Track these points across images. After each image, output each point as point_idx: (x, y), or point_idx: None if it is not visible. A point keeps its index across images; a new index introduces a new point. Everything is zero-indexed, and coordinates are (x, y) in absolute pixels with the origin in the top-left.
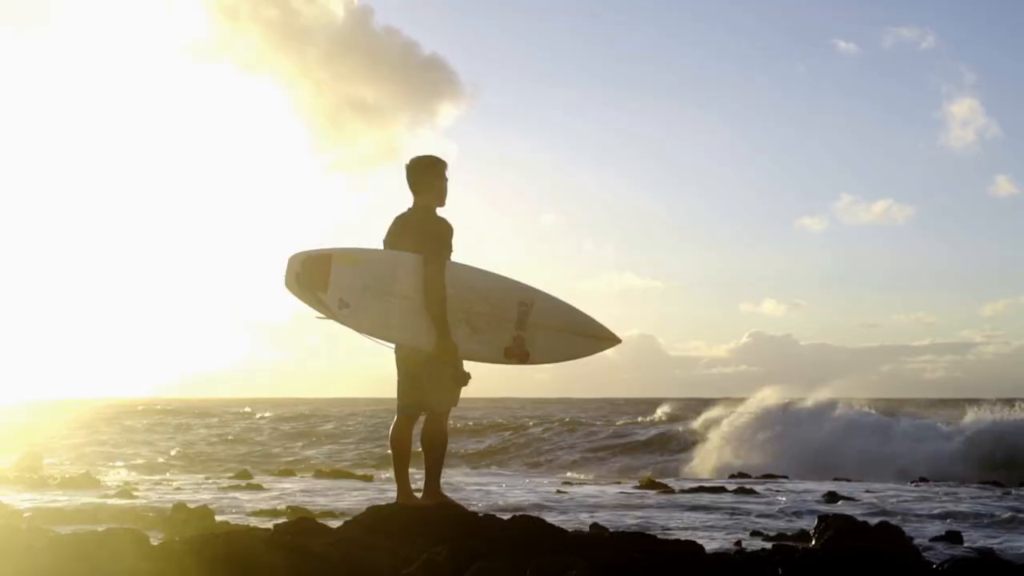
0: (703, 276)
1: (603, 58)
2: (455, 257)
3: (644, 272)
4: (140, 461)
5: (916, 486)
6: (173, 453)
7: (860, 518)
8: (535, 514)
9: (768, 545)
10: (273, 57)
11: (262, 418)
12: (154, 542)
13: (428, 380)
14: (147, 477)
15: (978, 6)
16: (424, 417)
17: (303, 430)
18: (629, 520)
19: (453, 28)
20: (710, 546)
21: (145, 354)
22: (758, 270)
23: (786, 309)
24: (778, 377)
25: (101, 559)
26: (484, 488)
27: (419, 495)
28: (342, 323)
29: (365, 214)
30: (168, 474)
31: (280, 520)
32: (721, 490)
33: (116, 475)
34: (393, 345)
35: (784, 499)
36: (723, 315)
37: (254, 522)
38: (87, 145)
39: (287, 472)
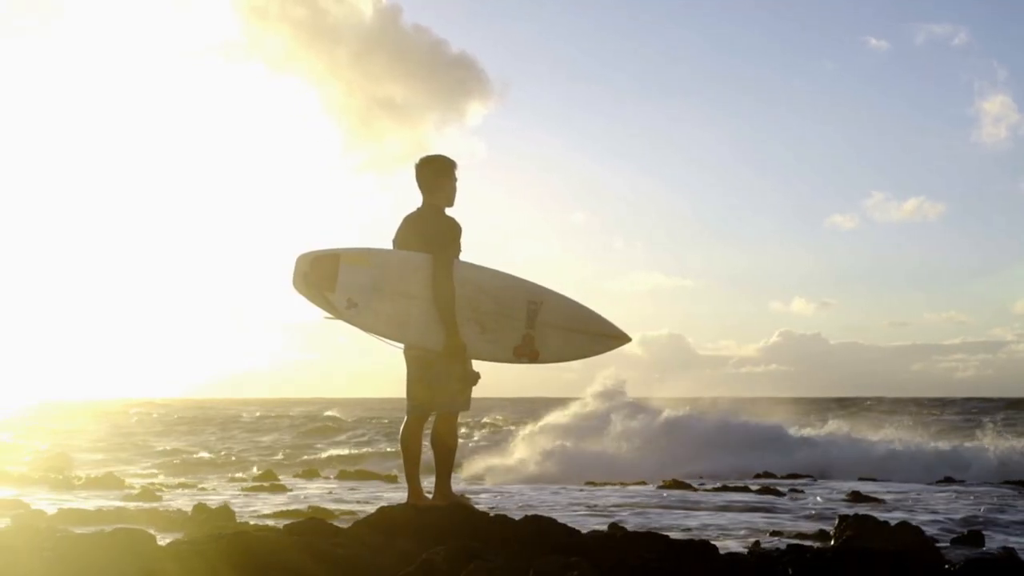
0: (732, 275)
1: (632, 56)
2: (464, 256)
3: (673, 271)
4: (165, 461)
5: (942, 487)
6: (199, 454)
7: (882, 518)
8: (557, 515)
9: (783, 545)
10: (302, 57)
11: (289, 417)
12: (168, 543)
13: (438, 380)
14: (171, 479)
15: (1010, 2)
16: (434, 417)
17: (330, 429)
18: (650, 520)
19: (482, 26)
20: (729, 546)
21: (179, 355)
22: (788, 269)
23: (816, 308)
24: (808, 376)
25: (107, 559)
26: (504, 490)
27: (431, 495)
28: (350, 323)
29: (394, 213)
30: (193, 475)
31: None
32: (745, 490)
33: (141, 475)
34: (402, 345)
35: (808, 499)
36: (753, 314)
37: (274, 523)
38: (119, 146)
39: (311, 473)
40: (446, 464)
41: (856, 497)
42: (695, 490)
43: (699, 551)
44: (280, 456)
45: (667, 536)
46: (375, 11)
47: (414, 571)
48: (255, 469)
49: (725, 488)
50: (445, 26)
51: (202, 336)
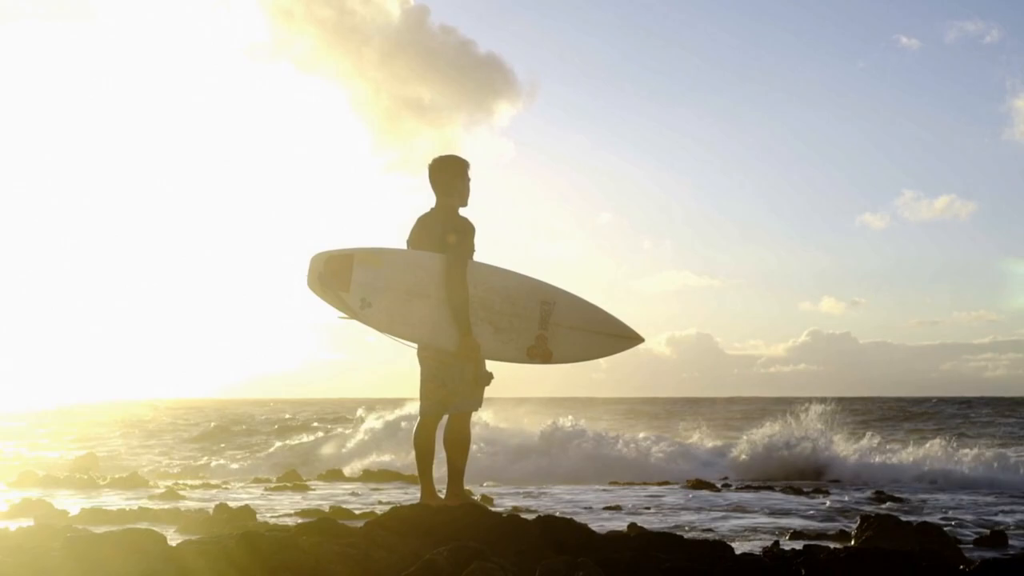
0: (761, 274)
1: (660, 55)
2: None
3: (702, 271)
4: (190, 461)
5: (973, 490)
6: (225, 454)
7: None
8: (578, 516)
9: (800, 546)
10: (329, 58)
11: (314, 416)
12: (178, 543)
13: (451, 380)
14: (195, 479)
15: None
16: (447, 418)
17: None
18: (672, 520)
19: (510, 26)
20: (749, 547)
21: (210, 356)
22: (817, 268)
23: (845, 307)
24: (836, 376)
25: (114, 559)
26: (523, 491)
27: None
28: (365, 323)
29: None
30: (217, 474)
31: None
32: (769, 489)
33: (166, 475)
34: (415, 345)
35: (832, 499)
36: (782, 313)
37: (292, 523)
38: (148, 146)
39: (335, 473)
40: (459, 464)
41: (880, 497)
42: (719, 490)
43: (713, 551)
44: (300, 453)
45: (681, 536)
46: (402, 12)
47: (416, 571)
48: (279, 469)
49: (748, 488)
50: (473, 26)
51: (231, 337)
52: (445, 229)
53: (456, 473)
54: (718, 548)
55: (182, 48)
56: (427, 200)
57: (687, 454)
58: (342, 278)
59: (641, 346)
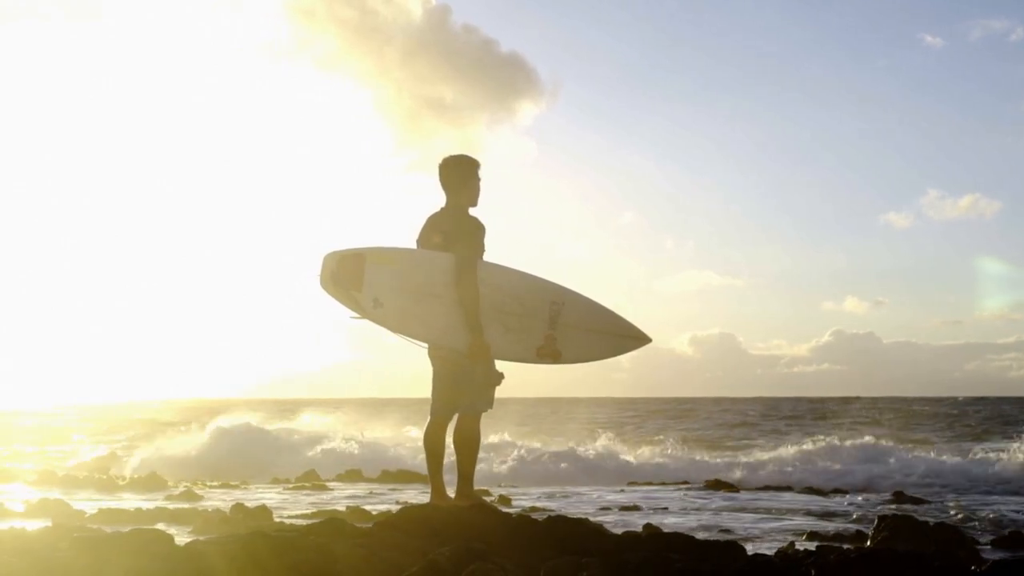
0: (784, 274)
1: (683, 55)
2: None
3: (724, 270)
4: (210, 461)
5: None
6: (246, 454)
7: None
8: (596, 517)
9: (814, 547)
10: (351, 57)
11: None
12: (186, 543)
13: (461, 380)
14: (214, 479)
15: None
16: (457, 418)
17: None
18: (689, 521)
19: (532, 26)
20: (765, 548)
21: (235, 356)
22: (841, 267)
23: (868, 307)
24: (860, 375)
25: (119, 559)
26: (546, 491)
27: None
28: (377, 323)
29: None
30: (236, 474)
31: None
32: (788, 489)
33: (184, 476)
34: (426, 345)
35: (850, 500)
36: (805, 313)
37: (305, 523)
38: (171, 145)
39: (354, 473)
40: (469, 464)
41: (900, 498)
42: (737, 491)
43: (725, 551)
44: (319, 453)
45: (693, 537)
46: (424, 11)
47: (417, 572)
48: (297, 469)
49: (767, 488)
50: (495, 26)
51: (259, 337)
52: (455, 229)
53: (466, 473)
54: (730, 549)
55: (204, 47)
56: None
57: (706, 454)
58: (354, 277)
59: (664, 346)
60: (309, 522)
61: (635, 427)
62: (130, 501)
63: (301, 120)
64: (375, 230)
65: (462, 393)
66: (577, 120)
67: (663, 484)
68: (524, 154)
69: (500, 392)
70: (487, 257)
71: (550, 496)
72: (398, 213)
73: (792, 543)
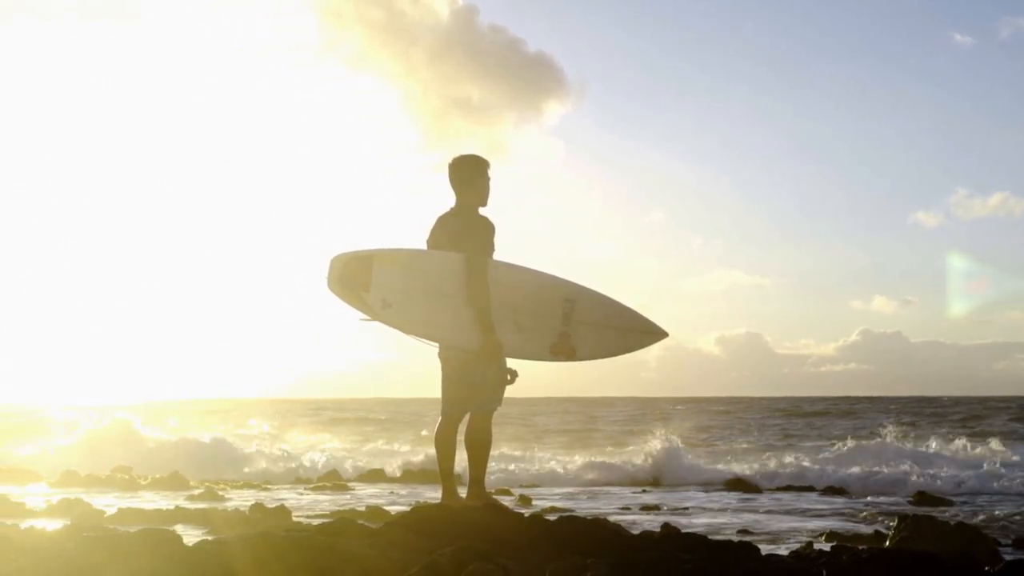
0: (812, 273)
1: (710, 54)
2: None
3: (752, 269)
4: (234, 461)
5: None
6: (268, 453)
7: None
8: (612, 517)
9: (830, 547)
10: (378, 57)
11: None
12: (194, 543)
13: (473, 380)
14: (235, 479)
15: None
16: (469, 417)
17: (402, 430)
18: (710, 521)
19: (559, 25)
20: (784, 548)
21: (264, 356)
22: (869, 266)
23: (897, 306)
24: (887, 375)
25: (124, 559)
26: (570, 491)
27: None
28: (387, 324)
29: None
30: (259, 474)
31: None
32: (811, 490)
33: (206, 475)
34: (437, 345)
35: (872, 501)
36: (832, 312)
37: (321, 523)
38: (199, 145)
39: (376, 473)
40: (480, 464)
41: (923, 499)
42: (760, 491)
43: (738, 552)
44: (342, 453)
45: (706, 537)
46: (451, 11)
47: (419, 572)
48: (320, 469)
49: (790, 488)
50: (522, 25)
51: (286, 337)
52: (465, 229)
53: (477, 473)
54: (743, 549)
55: (233, 48)
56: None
57: (729, 453)
58: (362, 279)
59: (690, 345)
60: (323, 522)
61: (662, 425)
62: (151, 501)
63: (329, 120)
64: (402, 230)
65: (474, 393)
66: (604, 120)
67: (685, 484)
68: (551, 154)
69: (525, 392)
70: (498, 256)
71: (572, 496)
72: (425, 213)
73: (810, 543)
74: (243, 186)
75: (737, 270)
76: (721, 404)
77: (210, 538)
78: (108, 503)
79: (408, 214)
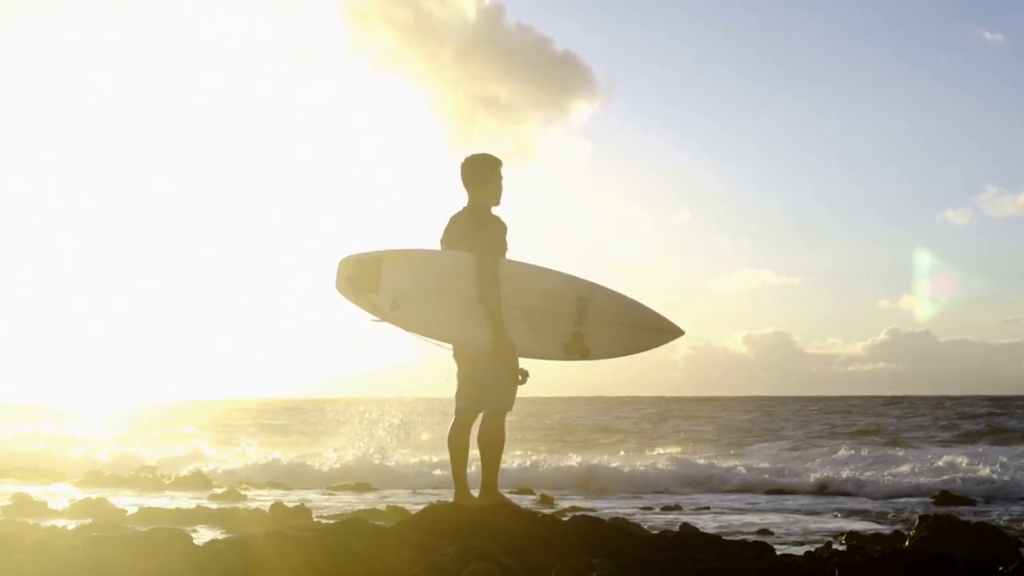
0: (840, 272)
1: (739, 53)
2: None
3: (780, 269)
4: (257, 460)
5: None
6: (293, 454)
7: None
8: (632, 517)
9: (844, 547)
10: (406, 57)
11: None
12: (205, 542)
13: (486, 380)
14: (258, 479)
15: None
16: (481, 417)
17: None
18: (732, 521)
19: (587, 24)
20: (802, 549)
21: (293, 356)
22: (897, 265)
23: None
24: (916, 374)
25: (132, 559)
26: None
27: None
28: (397, 325)
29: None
30: (282, 473)
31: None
32: (838, 491)
33: (230, 475)
34: (450, 346)
35: (894, 501)
36: (860, 312)
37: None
38: (227, 144)
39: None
40: (493, 464)
41: (945, 498)
42: (785, 492)
43: (753, 552)
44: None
45: (720, 537)
46: (478, 10)
47: (422, 571)
48: (345, 469)
49: (817, 490)
50: (549, 24)
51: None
52: (476, 228)
53: (490, 473)
54: (758, 549)
55: (259, 47)
56: (504, 198)
57: (754, 454)
58: (371, 281)
59: (718, 345)
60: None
61: (688, 426)
62: (173, 500)
63: (357, 119)
64: (429, 229)
65: (487, 393)
66: (632, 119)
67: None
68: (578, 153)
69: (551, 391)
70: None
71: (595, 496)
72: (453, 212)
73: (829, 544)
74: (270, 185)
75: (764, 269)
76: (747, 403)
77: (220, 537)
78: (130, 503)
79: (435, 213)
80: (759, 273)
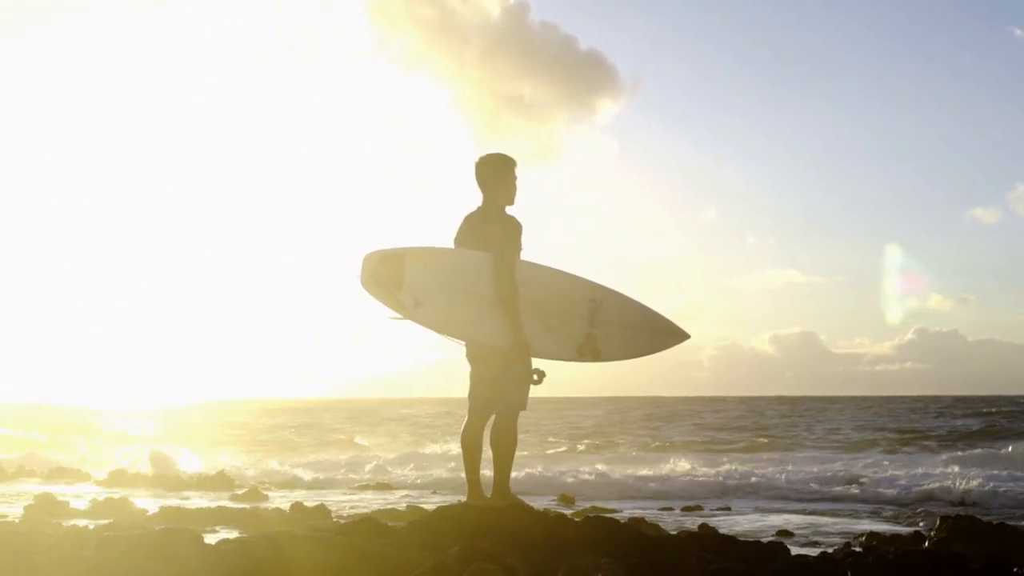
0: (867, 271)
1: (763, 53)
2: (550, 252)
3: (806, 268)
4: (278, 461)
5: None
6: (315, 455)
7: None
8: (650, 517)
9: (859, 548)
10: (430, 56)
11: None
12: (216, 542)
13: (500, 379)
14: (283, 479)
15: None
16: (494, 417)
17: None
18: (752, 523)
19: (611, 23)
20: (820, 550)
21: (321, 359)
22: (926, 264)
23: (953, 304)
24: (943, 374)
25: (141, 560)
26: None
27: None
28: (418, 322)
29: (525, 212)
30: (304, 473)
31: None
32: (859, 492)
33: (252, 475)
34: (465, 343)
35: (922, 502)
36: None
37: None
38: (254, 144)
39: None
40: (505, 464)
41: (965, 500)
42: (809, 493)
43: (766, 553)
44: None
45: (734, 537)
46: (502, 9)
47: (425, 571)
48: (368, 469)
49: (840, 493)
50: (573, 22)
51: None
52: (492, 228)
53: (502, 473)
54: (772, 550)
55: (284, 47)
56: (528, 198)
57: (780, 455)
58: (395, 277)
59: (744, 344)
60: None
61: (716, 426)
62: (195, 500)
63: (382, 118)
64: (445, 228)
65: (501, 392)
66: (657, 118)
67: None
68: (604, 152)
69: (582, 392)
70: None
71: (620, 497)
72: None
73: (847, 544)
74: (300, 183)
75: (791, 268)
76: (773, 404)
77: (231, 536)
78: (152, 503)
79: (461, 212)
80: (785, 272)
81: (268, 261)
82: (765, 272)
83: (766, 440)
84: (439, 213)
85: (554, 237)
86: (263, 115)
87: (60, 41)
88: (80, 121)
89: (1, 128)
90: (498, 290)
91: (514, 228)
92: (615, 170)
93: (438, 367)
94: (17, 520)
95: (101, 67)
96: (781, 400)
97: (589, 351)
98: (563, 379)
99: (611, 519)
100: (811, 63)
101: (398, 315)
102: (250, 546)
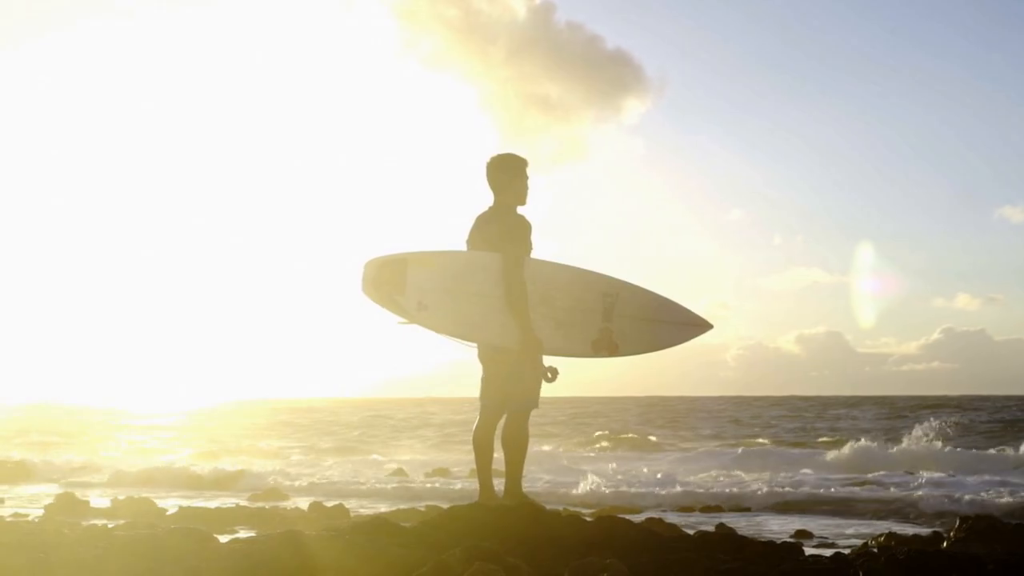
0: (894, 271)
1: (791, 51)
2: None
3: (833, 267)
4: (298, 459)
5: None
6: (333, 458)
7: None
8: (668, 518)
9: (875, 548)
10: (456, 56)
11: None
12: (226, 541)
13: (511, 379)
14: (301, 476)
15: None
16: (506, 417)
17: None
18: (770, 523)
19: (637, 22)
20: (836, 550)
21: (352, 357)
22: (953, 263)
23: (981, 303)
24: (970, 374)
25: (150, 559)
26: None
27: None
28: (423, 326)
29: (551, 212)
30: (326, 473)
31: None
32: (884, 493)
33: (274, 475)
34: (475, 345)
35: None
36: (914, 310)
37: None
38: (285, 147)
39: (441, 471)
40: (517, 464)
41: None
42: (832, 494)
43: (779, 553)
44: (416, 451)
45: (746, 537)
46: (528, 9)
47: (428, 571)
48: (388, 467)
49: (864, 493)
50: (600, 22)
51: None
52: (502, 227)
53: (514, 473)
54: (784, 550)
55: (311, 47)
56: (556, 198)
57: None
58: (397, 282)
59: (770, 344)
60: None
61: (740, 426)
62: (215, 500)
63: (406, 118)
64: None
65: (512, 392)
66: (683, 117)
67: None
68: (630, 152)
69: (602, 391)
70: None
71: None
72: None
73: (864, 545)
74: (326, 184)
75: (816, 268)
76: (800, 404)
77: (242, 537)
78: (173, 503)
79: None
80: (810, 271)
81: (296, 263)
82: (791, 272)
83: (791, 440)
84: (466, 214)
85: (579, 237)
86: (291, 117)
87: (99, 41)
88: (137, 119)
89: (41, 131)
90: (507, 290)
91: (522, 226)
92: (641, 170)
93: (459, 367)
94: (36, 519)
95: (123, 67)
96: (806, 400)
97: (605, 346)
98: (582, 379)
99: (624, 519)
100: (837, 62)
101: (404, 320)
102: (257, 545)
